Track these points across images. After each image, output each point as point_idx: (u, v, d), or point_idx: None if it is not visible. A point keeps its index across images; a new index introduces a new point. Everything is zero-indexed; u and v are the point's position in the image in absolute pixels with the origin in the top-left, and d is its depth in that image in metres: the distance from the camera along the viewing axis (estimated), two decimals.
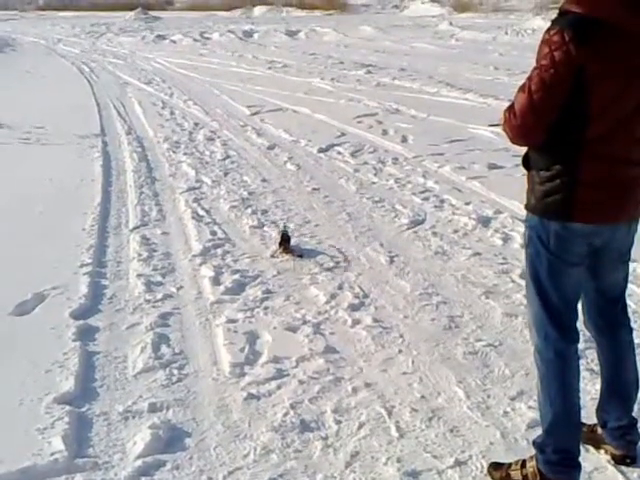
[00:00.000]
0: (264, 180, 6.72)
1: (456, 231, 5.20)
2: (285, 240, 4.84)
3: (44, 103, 11.40)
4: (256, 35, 26.61)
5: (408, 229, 5.28)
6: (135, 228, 5.34)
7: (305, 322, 3.81)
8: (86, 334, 3.69)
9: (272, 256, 4.77)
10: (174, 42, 24.47)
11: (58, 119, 9.76)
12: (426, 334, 3.67)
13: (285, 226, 5.09)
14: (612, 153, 2.25)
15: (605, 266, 2.47)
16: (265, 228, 5.31)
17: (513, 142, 2.39)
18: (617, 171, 2.27)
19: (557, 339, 2.43)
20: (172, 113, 10.52)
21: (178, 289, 4.28)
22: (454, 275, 4.41)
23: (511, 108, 2.31)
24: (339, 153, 7.75)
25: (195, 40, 24.70)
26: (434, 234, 5.14)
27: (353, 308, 3.97)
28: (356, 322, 3.81)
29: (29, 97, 12.24)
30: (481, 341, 3.57)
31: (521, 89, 2.28)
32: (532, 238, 2.42)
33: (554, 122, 2.23)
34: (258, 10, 45.60)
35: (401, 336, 3.65)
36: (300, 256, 4.75)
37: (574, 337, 2.48)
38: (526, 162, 2.41)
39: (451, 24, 27.66)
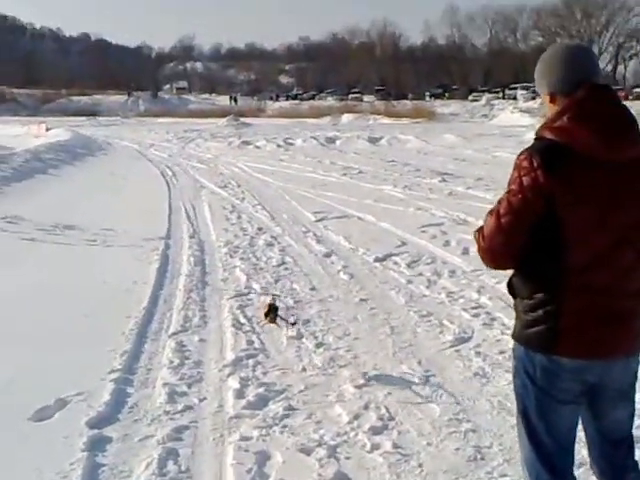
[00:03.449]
0: (313, 288, 6.64)
1: (502, 352, 4.90)
2: (272, 310, 4.97)
3: (119, 205, 11.88)
4: (338, 142, 27.19)
5: (451, 347, 5.05)
6: (174, 334, 5.33)
7: (321, 444, 3.63)
8: (97, 445, 3.63)
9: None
10: (258, 147, 25.32)
11: (128, 221, 10.09)
12: (447, 465, 3.42)
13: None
14: (598, 283, 2.09)
15: (604, 405, 2.25)
16: (303, 339, 5.20)
17: (485, 265, 2.28)
18: (605, 302, 2.11)
19: None
20: (239, 217, 10.71)
21: (200, 400, 4.19)
22: (490, 400, 4.14)
23: (481, 230, 2.23)
24: (395, 263, 7.61)
25: (278, 146, 25.48)
26: (477, 354, 4.89)
27: (375, 431, 3.76)
28: (375, 447, 3.60)
29: (106, 199, 12.76)
30: (505, 476, 3.29)
31: (490, 212, 2.21)
32: (518, 370, 2.26)
33: (529, 248, 2.13)
34: (346, 117, 46.98)
35: (420, 465, 3.42)
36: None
37: None
38: (511, 288, 2.28)
39: None
